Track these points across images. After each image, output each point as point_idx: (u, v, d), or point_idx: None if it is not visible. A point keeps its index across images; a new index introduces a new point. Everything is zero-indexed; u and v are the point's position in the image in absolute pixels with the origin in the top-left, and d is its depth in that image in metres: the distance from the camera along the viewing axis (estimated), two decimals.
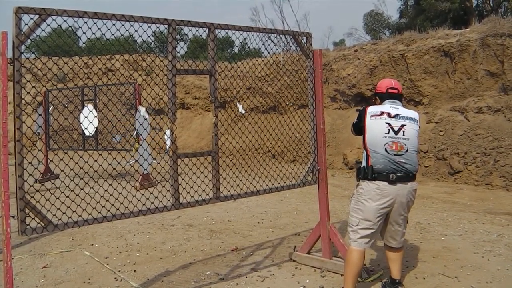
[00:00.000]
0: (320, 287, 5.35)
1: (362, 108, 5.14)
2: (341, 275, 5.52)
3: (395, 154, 4.75)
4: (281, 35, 6.16)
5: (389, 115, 4.86)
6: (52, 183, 4.61)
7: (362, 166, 4.94)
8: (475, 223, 8.10)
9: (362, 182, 4.92)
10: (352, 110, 16.57)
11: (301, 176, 5.95)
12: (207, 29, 5.11)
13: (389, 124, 4.81)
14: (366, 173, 4.84)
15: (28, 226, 4.00)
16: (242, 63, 5.76)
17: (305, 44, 6.01)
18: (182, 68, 4.99)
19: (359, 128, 5.05)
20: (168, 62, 4.84)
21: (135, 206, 4.62)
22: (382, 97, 5.13)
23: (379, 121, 4.84)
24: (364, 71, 16.35)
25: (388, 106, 4.95)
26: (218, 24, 5.16)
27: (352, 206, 4.98)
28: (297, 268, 5.99)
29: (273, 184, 5.86)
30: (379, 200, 4.75)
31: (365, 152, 4.93)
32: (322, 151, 5.97)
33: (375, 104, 5.17)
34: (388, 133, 4.78)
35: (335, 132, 16.31)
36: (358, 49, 17.56)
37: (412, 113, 4.98)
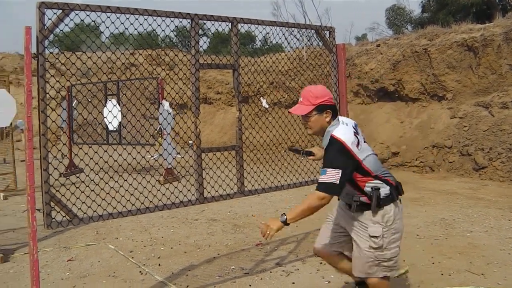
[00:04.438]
0: (345, 282, 5.31)
1: (338, 143, 3.80)
2: None
3: None
4: (303, 30, 6.12)
5: (356, 133, 3.99)
6: (77, 177, 4.63)
7: (377, 191, 3.87)
8: (501, 220, 7.98)
9: (385, 208, 3.91)
10: (375, 105, 16.44)
11: None
12: (230, 23, 5.10)
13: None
14: (391, 193, 3.92)
15: (53, 220, 4.03)
16: (265, 58, 5.71)
17: (328, 39, 5.97)
18: (205, 62, 4.98)
19: (351, 172, 3.81)
20: (191, 56, 4.85)
21: (160, 200, 4.63)
22: (336, 110, 4.11)
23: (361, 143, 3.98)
24: (387, 66, 16.17)
25: (350, 127, 4.04)
26: (241, 18, 5.15)
27: (388, 240, 3.92)
28: (321, 263, 5.93)
29: (297, 179, 5.82)
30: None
31: (373, 181, 3.90)
32: None
33: (327, 120, 4.01)
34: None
35: (359, 126, 16.19)
36: (380, 44, 17.35)
37: None
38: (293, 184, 5.70)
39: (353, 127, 4.00)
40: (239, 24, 5.15)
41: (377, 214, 3.87)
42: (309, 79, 6.72)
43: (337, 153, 3.75)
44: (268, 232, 3.75)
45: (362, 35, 38.67)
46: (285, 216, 3.75)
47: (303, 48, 15.42)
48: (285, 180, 5.69)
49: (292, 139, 6.40)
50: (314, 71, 6.46)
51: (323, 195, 3.69)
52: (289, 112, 4.15)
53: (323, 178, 3.70)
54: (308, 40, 6.49)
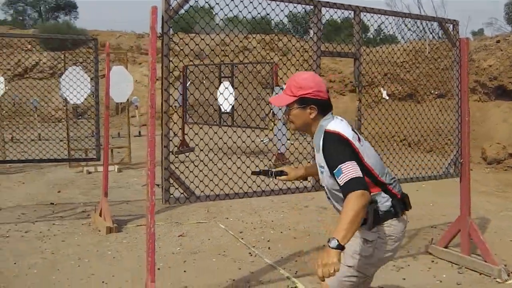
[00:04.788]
0: (457, 283, 5.13)
1: (336, 135, 3.03)
2: (480, 274, 5.34)
3: None
4: (418, 21, 5.92)
5: (354, 130, 3.22)
6: (196, 156, 4.71)
7: (373, 205, 3.07)
8: None
9: (385, 223, 3.17)
10: (492, 104, 15.66)
11: (438, 168, 5.78)
12: (352, 12, 5.02)
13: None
14: (392, 206, 3.16)
15: (171, 196, 4.12)
16: (387, 48, 5.54)
17: (452, 32, 5.76)
18: (327, 50, 4.93)
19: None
20: (312, 43, 4.82)
21: (276, 184, 4.63)
22: (326, 106, 3.23)
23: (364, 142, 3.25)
24: (506, 63, 15.35)
25: (344, 123, 3.21)
26: (364, 7, 5.06)
27: (379, 256, 3.27)
28: (433, 261, 5.80)
29: (408, 174, 5.63)
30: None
31: (381, 188, 3.15)
32: (466, 143, 5.72)
33: (311, 117, 3.19)
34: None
35: (474, 125, 15.47)
36: (500, 40, 16.50)
37: None
38: (409, 178, 5.52)
39: (350, 125, 3.23)
40: (361, 13, 5.06)
41: (374, 228, 3.14)
42: (425, 73, 6.53)
43: (339, 146, 3.00)
44: (331, 270, 2.70)
45: (478, 30, 37.25)
46: (336, 241, 2.77)
47: (425, 40, 14.96)
48: (402, 174, 5.52)
49: (405, 133, 6.27)
50: (431, 65, 6.28)
51: (360, 191, 2.77)
52: (270, 102, 3.44)
53: (344, 178, 2.84)
54: (431, 33, 6.27)
